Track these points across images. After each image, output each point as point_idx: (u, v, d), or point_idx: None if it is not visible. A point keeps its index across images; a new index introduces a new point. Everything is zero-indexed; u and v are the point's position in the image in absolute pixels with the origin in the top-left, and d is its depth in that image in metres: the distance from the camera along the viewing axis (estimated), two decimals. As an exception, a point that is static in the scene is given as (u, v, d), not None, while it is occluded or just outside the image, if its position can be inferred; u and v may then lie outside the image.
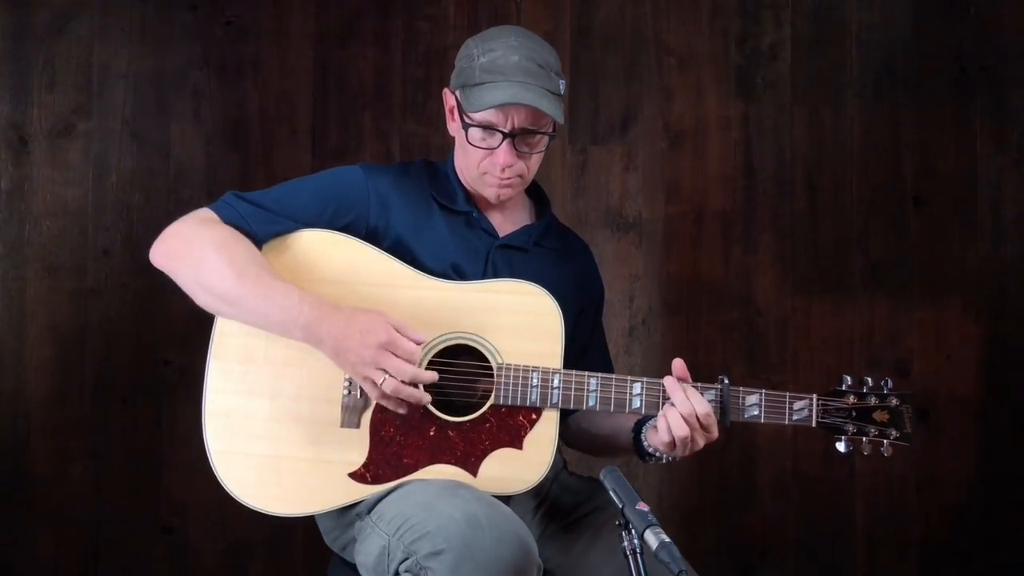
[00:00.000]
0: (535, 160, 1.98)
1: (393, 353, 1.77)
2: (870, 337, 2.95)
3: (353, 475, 1.86)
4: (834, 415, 1.88)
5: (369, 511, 1.86)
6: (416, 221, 1.97)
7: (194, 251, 1.83)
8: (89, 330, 2.87)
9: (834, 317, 2.95)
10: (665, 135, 2.98)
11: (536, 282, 1.91)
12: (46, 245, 2.87)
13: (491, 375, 1.88)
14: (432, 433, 1.87)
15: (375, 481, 1.85)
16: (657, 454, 1.90)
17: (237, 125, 2.93)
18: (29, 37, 2.88)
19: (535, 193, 2.15)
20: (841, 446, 1.88)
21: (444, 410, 1.88)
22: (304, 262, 1.90)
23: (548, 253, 2.08)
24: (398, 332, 1.79)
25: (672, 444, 1.84)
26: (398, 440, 1.85)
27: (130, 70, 2.91)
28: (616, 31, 2.99)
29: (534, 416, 1.87)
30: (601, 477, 1.61)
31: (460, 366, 1.89)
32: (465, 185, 2.03)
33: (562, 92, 1.96)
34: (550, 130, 1.96)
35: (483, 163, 1.95)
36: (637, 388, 1.87)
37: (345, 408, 1.86)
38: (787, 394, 1.88)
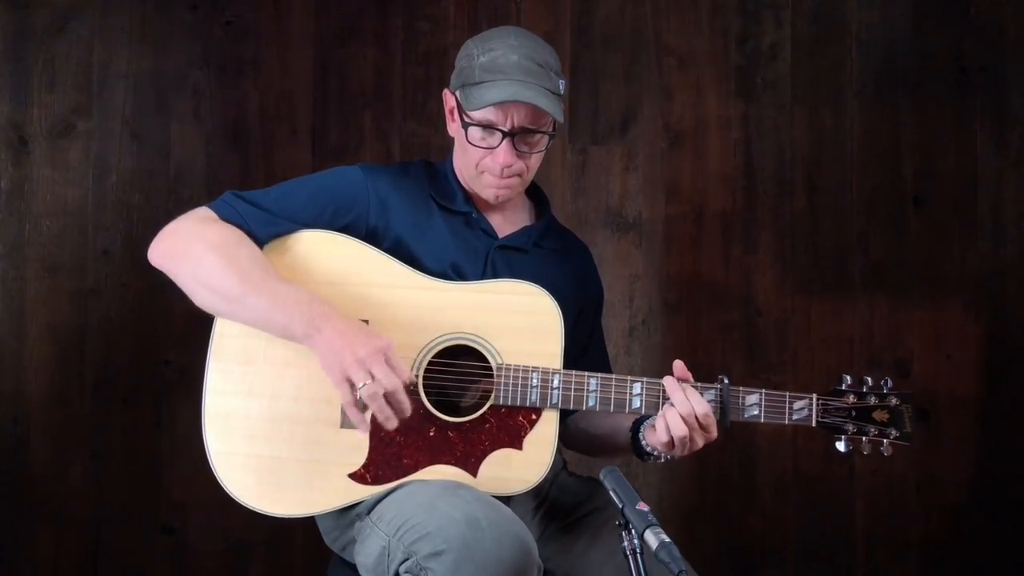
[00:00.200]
0: (535, 160, 1.98)
1: (387, 361, 1.75)
2: (870, 337, 2.95)
3: (353, 476, 1.85)
4: (834, 415, 1.88)
5: (369, 512, 1.86)
6: (416, 221, 1.97)
7: (194, 249, 1.83)
8: (89, 330, 2.87)
9: (834, 317, 2.95)
10: (665, 135, 2.98)
11: (536, 283, 1.91)
12: (46, 245, 2.87)
13: (491, 375, 1.88)
14: (432, 433, 1.87)
15: (375, 482, 1.85)
16: (655, 453, 1.91)
17: (237, 125, 2.93)
18: (29, 37, 2.88)
19: (534, 194, 2.15)
20: (841, 446, 1.88)
21: (444, 410, 1.88)
22: (304, 262, 1.90)
23: (548, 254, 2.08)
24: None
25: (671, 444, 1.84)
26: (398, 441, 1.85)
27: (130, 70, 2.91)
28: (616, 31, 2.99)
29: (534, 416, 1.87)
30: (601, 477, 1.61)
31: (460, 366, 1.89)
32: (464, 186, 2.03)
33: (562, 92, 1.96)
34: (550, 129, 1.96)
35: (482, 162, 1.95)
36: (637, 388, 1.87)
37: (345, 408, 1.86)
38: (787, 394, 1.88)
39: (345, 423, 1.86)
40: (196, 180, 2.90)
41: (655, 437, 1.86)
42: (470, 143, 1.94)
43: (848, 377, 1.90)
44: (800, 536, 2.94)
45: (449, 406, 1.89)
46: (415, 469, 1.86)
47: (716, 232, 2.97)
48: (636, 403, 1.87)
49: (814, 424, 1.88)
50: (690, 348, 2.93)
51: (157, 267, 1.88)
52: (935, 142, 2.97)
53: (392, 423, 1.76)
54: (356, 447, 1.85)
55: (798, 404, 1.88)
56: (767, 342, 2.95)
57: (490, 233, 2.02)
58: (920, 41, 2.98)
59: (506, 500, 1.85)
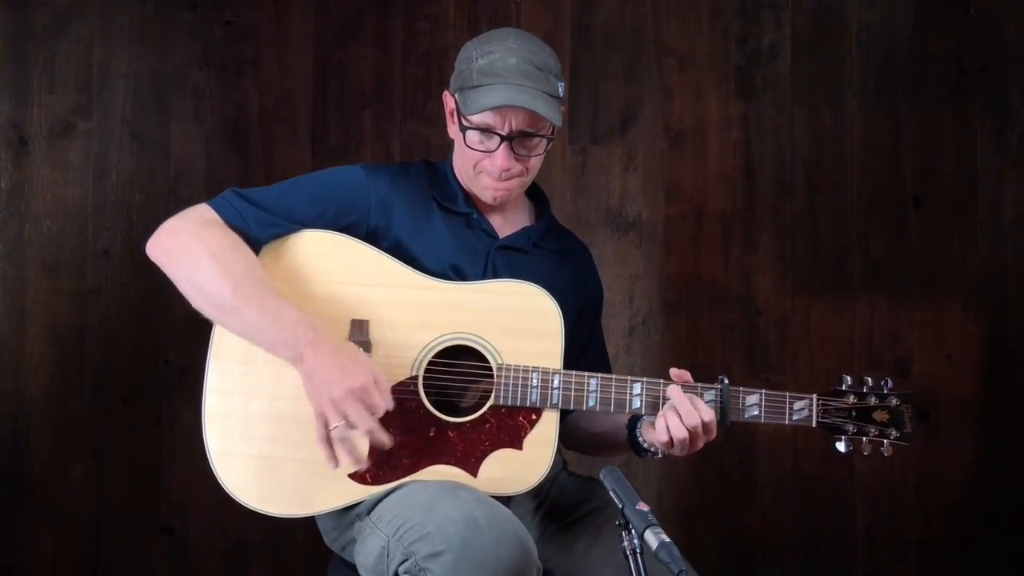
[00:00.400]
0: (534, 163, 1.97)
1: (361, 401, 1.74)
2: (870, 337, 2.95)
3: (353, 476, 1.85)
4: (834, 415, 1.88)
5: (369, 512, 1.86)
6: (416, 222, 1.97)
7: (192, 254, 1.83)
8: (89, 330, 2.87)
9: (834, 317, 2.95)
10: (665, 135, 2.98)
11: (536, 283, 1.91)
12: (46, 245, 2.87)
13: (491, 375, 1.88)
14: (432, 434, 1.87)
15: (375, 482, 1.85)
16: (652, 449, 1.91)
17: (237, 125, 2.93)
18: (29, 37, 2.88)
19: (535, 194, 2.14)
20: (841, 446, 1.88)
21: (444, 411, 1.87)
22: (304, 263, 1.90)
23: (548, 254, 2.08)
24: (376, 388, 1.75)
25: (670, 444, 1.84)
26: (398, 441, 1.85)
27: (130, 70, 2.91)
28: (616, 31, 2.99)
29: (534, 417, 1.87)
30: (601, 477, 1.61)
31: (460, 367, 1.89)
32: (464, 186, 2.03)
33: (561, 94, 1.96)
34: (549, 133, 1.95)
35: (480, 164, 1.95)
36: (637, 388, 1.87)
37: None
38: (787, 394, 1.88)
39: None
40: (196, 180, 2.90)
41: (654, 435, 1.86)
42: (468, 146, 1.94)
43: (848, 377, 1.90)
44: (800, 536, 2.94)
45: (449, 406, 1.89)
46: (415, 469, 1.86)
47: (716, 232, 2.97)
48: (636, 403, 1.87)
49: (814, 424, 1.88)
50: (690, 348, 2.93)
51: (154, 261, 1.87)
52: (935, 142, 2.97)
53: (361, 466, 1.78)
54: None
55: (798, 404, 1.88)
56: (767, 342, 2.95)
57: (490, 233, 2.02)
58: (920, 41, 2.98)
59: (506, 500, 1.85)
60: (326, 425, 1.74)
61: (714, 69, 2.99)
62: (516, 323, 1.89)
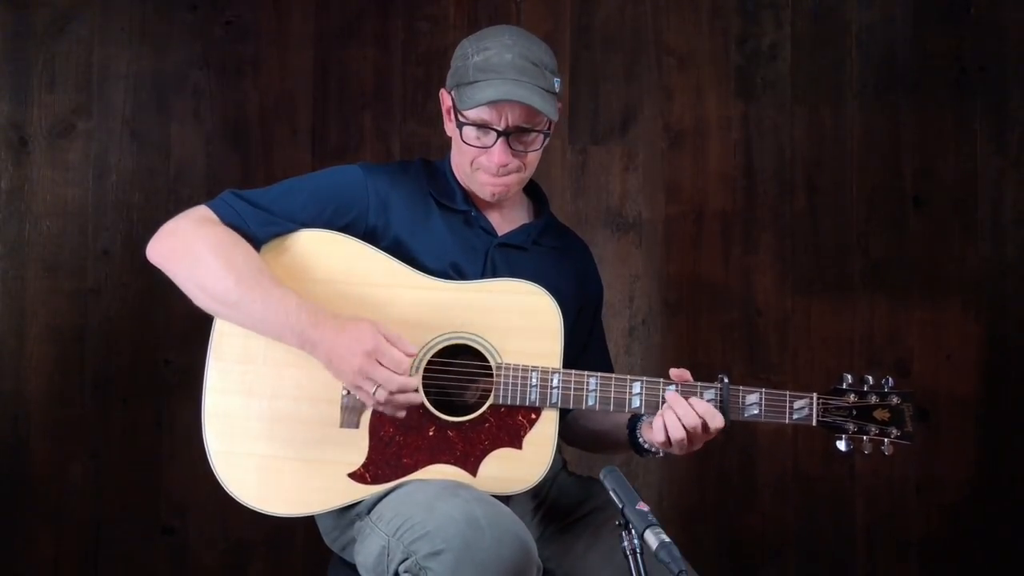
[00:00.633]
0: (531, 159, 1.97)
1: (380, 362, 1.76)
2: (870, 337, 2.95)
3: (353, 475, 1.85)
4: (834, 414, 1.88)
5: (369, 511, 1.86)
6: (415, 220, 1.97)
7: (192, 251, 1.83)
8: (89, 330, 2.87)
9: (834, 317, 2.95)
10: (665, 135, 2.98)
11: (535, 280, 1.91)
12: (46, 245, 2.87)
13: (490, 375, 1.88)
14: (431, 433, 1.87)
15: (375, 481, 1.85)
16: (653, 449, 1.91)
17: (237, 125, 2.93)
18: (29, 37, 2.88)
19: (533, 192, 2.14)
20: (842, 445, 1.87)
21: (443, 410, 1.87)
22: (303, 262, 1.90)
23: (547, 251, 2.08)
24: (388, 342, 1.78)
25: (668, 443, 1.84)
26: (397, 440, 1.85)
27: (130, 70, 2.91)
28: (616, 31, 2.99)
29: (533, 416, 1.87)
30: (601, 477, 1.61)
31: (459, 366, 1.89)
32: (462, 184, 2.03)
33: (557, 90, 1.96)
34: (545, 128, 1.95)
35: (477, 160, 1.95)
36: (637, 388, 1.87)
37: (345, 408, 1.86)
38: (787, 393, 1.87)
39: (345, 423, 1.86)
40: (196, 180, 2.90)
41: (652, 435, 1.86)
42: (465, 142, 1.94)
43: (848, 376, 1.90)
44: (800, 536, 2.94)
45: (449, 405, 1.89)
46: (415, 468, 1.86)
47: (716, 232, 2.97)
48: (636, 402, 1.87)
49: (814, 423, 1.88)
50: (690, 348, 2.93)
51: (154, 264, 1.88)
52: (935, 142, 2.97)
53: (402, 412, 1.82)
54: (356, 447, 1.85)
55: (798, 403, 1.87)
56: (767, 342, 2.95)
57: (489, 231, 2.02)
58: (920, 41, 2.98)
59: (506, 500, 1.85)
60: (370, 395, 1.78)
61: (714, 69, 2.99)
62: (515, 322, 1.89)
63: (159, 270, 1.88)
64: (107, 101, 2.90)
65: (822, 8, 2.99)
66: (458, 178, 2.03)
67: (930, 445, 2.90)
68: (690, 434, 1.82)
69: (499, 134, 1.91)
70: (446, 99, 2.00)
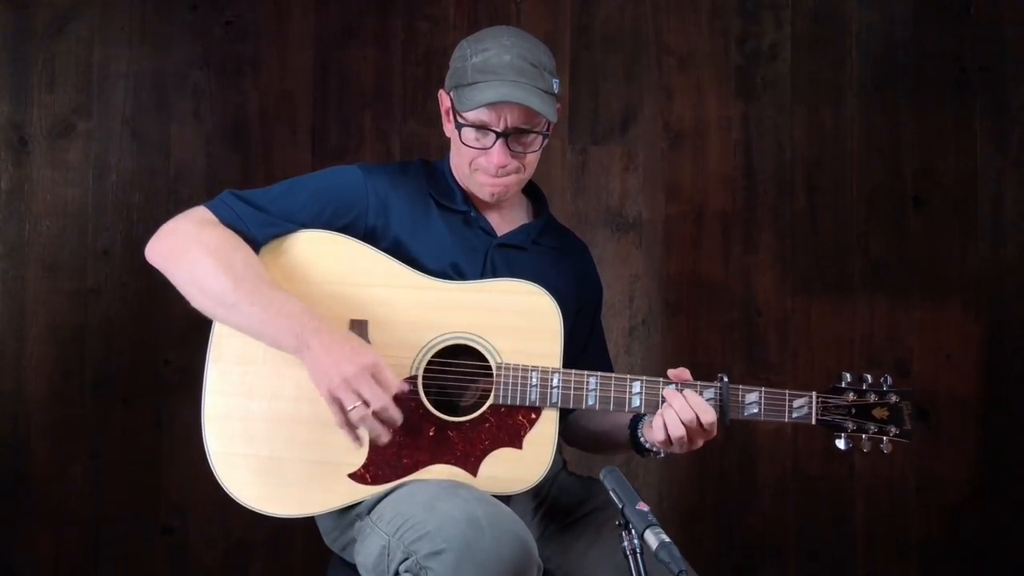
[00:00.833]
0: (531, 159, 1.97)
1: (373, 378, 1.73)
2: (870, 337, 2.95)
3: (353, 476, 1.85)
4: (834, 412, 1.88)
5: (369, 511, 1.86)
6: (415, 221, 1.97)
7: (191, 253, 1.83)
8: (89, 330, 2.87)
9: (834, 317, 2.95)
10: (665, 135, 2.98)
11: (535, 280, 1.91)
12: (46, 245, 2.87)
13: (490, 375, 1.88)
14: (431, 433, 1.86)
15: (375, 481, 1.85)
16: (654, 449, 1.91)
17: (237, 125, 2.93)
18: (29, 37, 2.88)
19: (532, 192, 2.15)
20: (841, 443, 1.87)
21: (443, 410, 1.87)
22: (302, 263, 1.90)
23: (547, 251, 2.08)
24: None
25: (668, 442, 1.84)
26: (397, 440, 1.85)
27: (130, 70, 2.91)
28: (616, 31, 2.99)
29: (534, 416, 1.87)
30: (601, 477, 1.61)
31: (459, 366, 1.89)
32: (461, 185, 2.03)
33: (556, 91, 1.96)
34: (544, 129, 1.95)
35: (476, 161, 1.95)
36: (636, 387, 1.87)
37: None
38: (787, 392, 1.88)
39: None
40: (196, 180, 2.90)
41: (653, 434, 1.86)
42: (464, 143, 1.94)
43: (847, 375, 1.89)
44: (800, 536, 2.94)
45: (449, 405, 1.89)
46: (415, 469, 1.86)
47: (716, 232, 2.97)
48: (636, 402, 1.87)
49: (814, 422, 1.88)
50: (690, 348, 2.93)
51: (153, 265, 1.88)
52: (935, 142, 2.97)
53: (384, 439, 1.77)
54: (356, 447, 1.85)
55: (798, 402, 1.88)
56: (767, 342, 2.95)
57: (489, 231, 2.02)
58: (920, 41, 2.98)
59: (506, 500, 1.85)
60: (343, 409, 1.73)
61: (714, 69, 2.99)
62: (515, 322, 1.89)
63: (158, 271, 1.88)
64: (107, 101, 2.90)
65: (822, 8, 2.99)
66: (457, 178, 2.03)
67: (930, 445, 2.90)
68: (688, 430, 1.82)
69: (498, 135, 1.91)
70: (445, 100, 2.00)
